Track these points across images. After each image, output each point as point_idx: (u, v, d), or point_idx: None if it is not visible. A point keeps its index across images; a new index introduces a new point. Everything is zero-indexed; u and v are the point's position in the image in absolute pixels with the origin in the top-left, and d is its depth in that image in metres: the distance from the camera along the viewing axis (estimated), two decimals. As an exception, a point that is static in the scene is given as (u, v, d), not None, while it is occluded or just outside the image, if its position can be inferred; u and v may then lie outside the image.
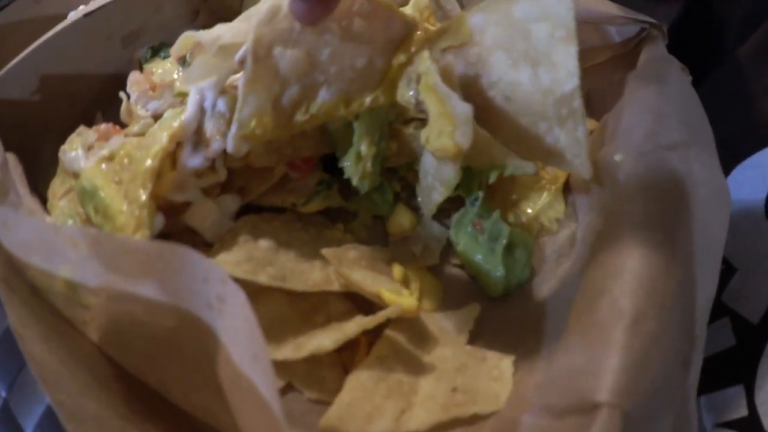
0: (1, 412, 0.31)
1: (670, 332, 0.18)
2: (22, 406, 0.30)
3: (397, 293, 0.23)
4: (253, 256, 0.24)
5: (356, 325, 0.21)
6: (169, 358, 0.22)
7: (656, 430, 0.18)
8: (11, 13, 0.42)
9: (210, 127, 0.25)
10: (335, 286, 0.24)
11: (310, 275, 0.24)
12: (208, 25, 0.42)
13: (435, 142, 0.21)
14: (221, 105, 0.25)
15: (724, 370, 0.24)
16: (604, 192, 0.25)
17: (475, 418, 0.21)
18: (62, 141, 0.38)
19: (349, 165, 0.26)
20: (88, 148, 0.30)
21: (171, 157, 0.26)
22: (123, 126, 0.34)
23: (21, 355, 0.31)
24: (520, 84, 0.22)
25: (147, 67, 0.37)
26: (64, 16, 0.43)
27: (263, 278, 0.23)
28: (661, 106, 0.22)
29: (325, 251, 0.24)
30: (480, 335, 0.24)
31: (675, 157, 0.22)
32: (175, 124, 0.25)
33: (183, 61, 0.35)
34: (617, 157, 0.23)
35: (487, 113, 0.22)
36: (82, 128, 0.32)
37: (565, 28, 0.21)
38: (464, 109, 0.20)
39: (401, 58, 0.24)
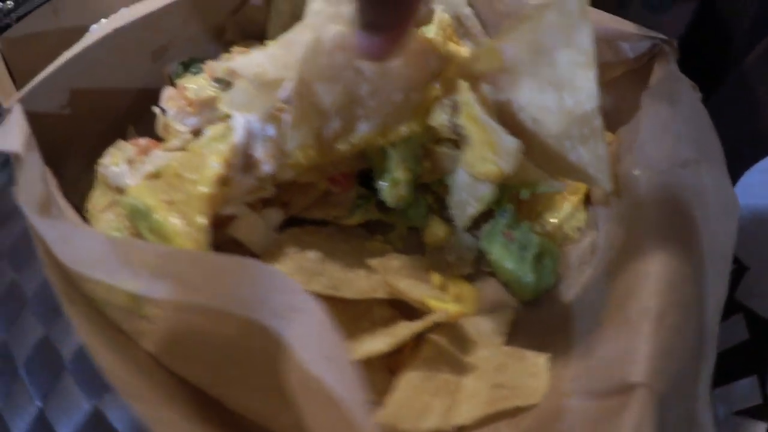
0: (37, 421, 0.33)
1: (688, 326, 0.21)
2: (59, 415, 0.31)
3: (440, 300, 0.25)
4: (304, 267, 0.27)
5: (408, 329, 0.24)
6: (229, 365, 0.23)
7: (676, 412, 0.20)
8: (29, 24, 0.44)
9: (259, 151, 0.27)
10: (381, 294, 0.26)
11: (358, 284, 0.26)
12: (235, 41, 0.44)
13: (478, 166, 0.24)
14: (270, 130, 0.27)
15: (738, 363, 0.27)
16: (623, 203, 0.28)
17: (516, 411, 0.23)
18: (92, 154, 0.39)
19: (385, 188, 0.28)
20: (130, 163, 0.32)
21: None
22: (159, 140, 0.35)
23: (55, 365, 0.33)
24: (546, 107, 0.25)
25: (179, 82, 0.38)
26: (82, 28, 0.44)
27: (317, 287, 0.25)
28: (675, 126, 0.25)
29: (372, 261, 0.26)
30: (514, 336, 0.27)
31: (688, 173, 0.24)
32: (222, 146, 0.27)
33: (219, 79, 0.36)
34: (636, 172, 0.26)
35: (517, 135, 0.25)
36: (121, 142, 0.33)
37: (586, 54, 0.24)
38: (512, 143, 0.22)
39: (437, 90, 0.26)
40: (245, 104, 0.27)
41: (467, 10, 0.37)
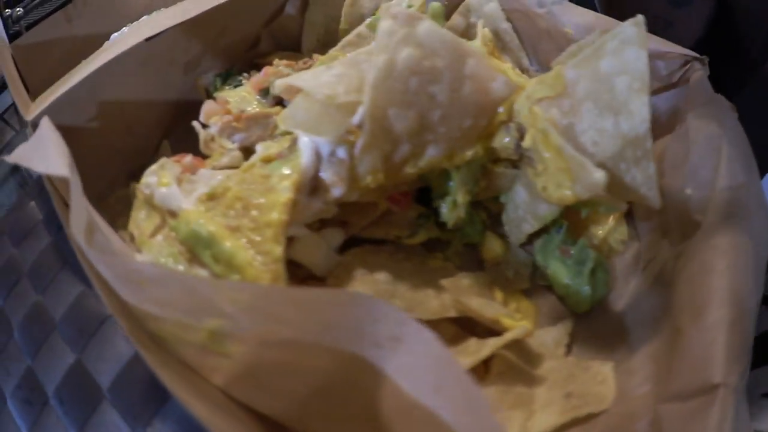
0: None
1: (751, 329, 0.23)
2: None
3: (512, 317, 0.27)
4: (378, 290, 0.28)
5: (489, 347, 0.26)
6: (318, 397, 0.23)
7: (744, 404, 0.23)
8: (42, 32, 0.42)
9: (329, 174, 0.28)
10: (452, 313, 0.28)
11: (429, 304, 0.28)
12: (270, 51, 0.43)
13: (552, 191, 0.25)
14: (341, 153, 0.27)
15: (765, 349, 0.30)
16: (667, 216, 0.30)
17: (588, 418, 0.25)
18: (120, 170, 0.38)
19: (445, 211, 0.29)
20: (178, 182, 0.30)
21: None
22: (202, 156, 0.35)
23: (93, 395, 0.33)
24: (605, 131, 0.27)
25: (219, 95, 0.38)
26: (97, 36, 0.43)
27: None
28: (726, 149, 0.27)
29: (444, 281, 0.28)
30: (574, 347, 0.29)
31: (736, 193, 0.27)
32: (286, 169, 0.27)
33: (265, 93, 0.36)
34: (688, 191, 0.28)
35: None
36: (164, 160, 0.32)
37: (641, 80, 0.26)
38: (601, 177, 0.24)
39: (503, 116, 0.27)
40: (313, 126, 0.27)
41: (506, 25, 0.39)
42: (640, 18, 0.24)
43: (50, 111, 0.33)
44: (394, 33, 0.26)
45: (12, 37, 0.40)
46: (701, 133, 0.29)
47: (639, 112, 0.26)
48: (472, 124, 0.27)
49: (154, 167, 0.31)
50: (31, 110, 0.35)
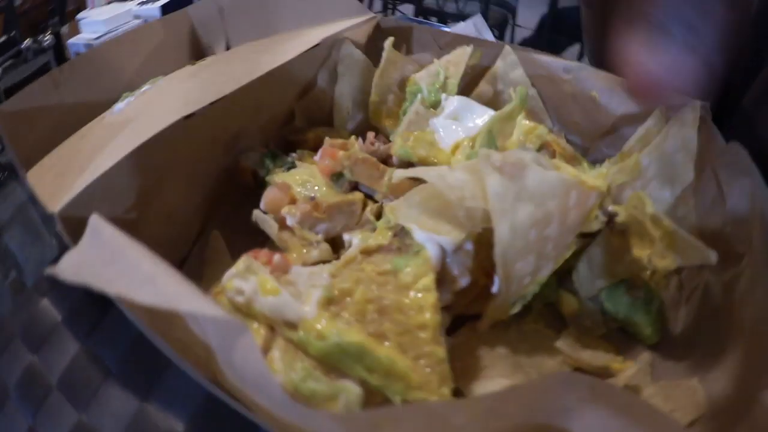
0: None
1: None
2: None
3: (616, 361, 0.33)
4: (505, 364, 0.32)
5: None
6: None
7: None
8: (28, 97, 0.40)
9: (455, 267, 0.31)
10: (566, 369, 0.33)
11: (547, 366, 0.32)
12: (303, 127, 0.44)
13: (659, 262, 0.31)
14: (468, 246, 0.30)
15: None
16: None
17: (691, 424, 0.32)
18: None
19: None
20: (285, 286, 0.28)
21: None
22: (270, 249, 0.33)
23: None
24: (663, 200, 0.33)
25: (276, 180, 0.38)
26: (86, 104, 0.41)
27: (520, 378, 0.31)
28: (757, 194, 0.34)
29: (559, 344, 0.32)
30: (655, 373, 0.35)
31: None
32: (412, 267, 0.29)
33: (337, 177, 0.37)
34: (727, 229, 0.35)
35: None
36: (248, 260, 0.30)
37: (692, 151, 0.33)
38: (713, 255, 0.30)
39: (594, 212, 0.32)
40: (433, 224, 0.30)
41: (532, 91, 0.44)
42: (697, 104, 0.32)
43: (81, 202, 0.29)
44: (506, 194, 0.28)
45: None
46: (735, 188, 0.35)
47: (687, 177, 0.33)
48: (574, 238, 0.32)
49: (236, 270, 0.29)
50: (55, 200, 0.29)
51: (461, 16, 2.13)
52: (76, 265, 0.22)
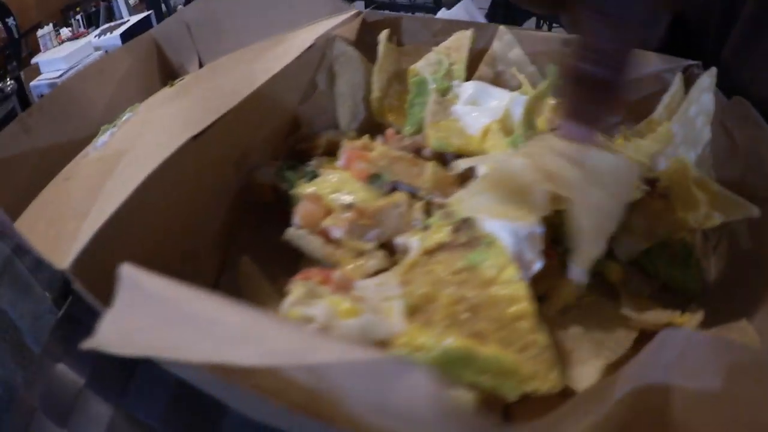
0: None
1: None
2: None
3: (678, 317, 0.35)
4: (582, 340, 0.33)
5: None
6: None
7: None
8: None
9: (528, 251, 0.31)
10: (635, 334, 0.34)
11: (619, 335, 0.34)
12: (310, 134, 0.42)
13: (705, 222, 0.34)
14: (539, 229, 0.31)
15: None
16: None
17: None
18: None
19: None
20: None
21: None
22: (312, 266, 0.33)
23: None
24: (691, 161, 0.36)
25: (302, 192, 0.36)
26: (59, 145, 0.40)
27: (605, 360, 0.31)
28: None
29: (625, 311, 0.34)
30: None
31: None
32: (491, 259, 0.29)
33: (375, 179, 0.36)
34: (747, 178, 0.38)
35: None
36: (305, 284, 0.28)
37: (710, 115, 0.35)
38: (757, 211, 0.33)
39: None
40: (503, 210, 0.30)
41: (532, 69, 0.46)
42: (713, 70, 0.34)
43: (92, 251, 0.25)
44: (576, 177, 0.28)
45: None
46: (742, 129, 0.39)
47: (706, 138, 0.36)
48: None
49: (295, 297, 0.28)
50: (58, 253, 0.26)
51: (413, 7, 2.13)
52: (122, 333, 0.18)
